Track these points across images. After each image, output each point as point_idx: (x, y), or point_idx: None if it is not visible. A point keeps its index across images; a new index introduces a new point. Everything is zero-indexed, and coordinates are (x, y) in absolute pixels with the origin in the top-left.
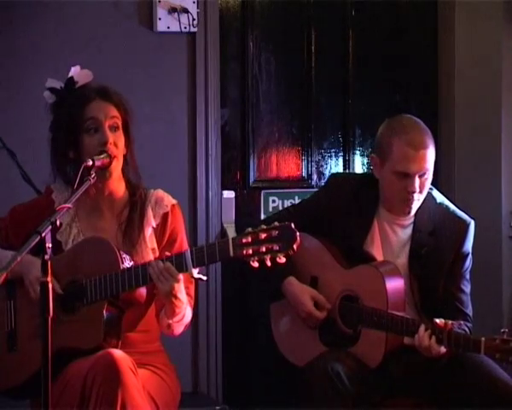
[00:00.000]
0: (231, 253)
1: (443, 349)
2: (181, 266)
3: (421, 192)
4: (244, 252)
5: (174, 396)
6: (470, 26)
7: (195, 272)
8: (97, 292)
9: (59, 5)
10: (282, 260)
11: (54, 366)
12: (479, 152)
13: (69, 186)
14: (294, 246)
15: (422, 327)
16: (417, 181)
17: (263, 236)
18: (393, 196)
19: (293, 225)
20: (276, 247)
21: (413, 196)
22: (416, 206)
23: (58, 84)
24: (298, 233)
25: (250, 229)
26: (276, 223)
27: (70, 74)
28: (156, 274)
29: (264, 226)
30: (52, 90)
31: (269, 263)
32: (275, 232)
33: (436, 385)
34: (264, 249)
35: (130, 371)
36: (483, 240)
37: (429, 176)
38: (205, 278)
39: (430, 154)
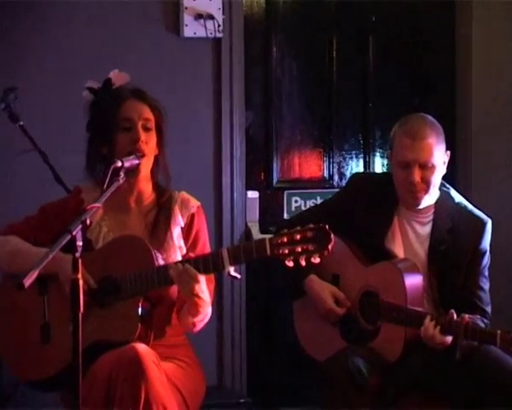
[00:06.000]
0: (268, 252)
1: (448, 339)
2: (218, 263)
3: (426, 185)
4: (280, 251)
5: (199, 388)
6: (487, 31)
7: (232, 270)
8: (132, 288)
9: (90, 9)
10: (316, 260)
11: (88, 358)
12: (495, 152)
13: (98, 186)
14: (329, 247)
15: (428, 317)
16: (417, 172)
17: (298, 236)
18: (399, 188)
19: (327, 227)
20: (311, 247)
21: (416, 188)
22: (424, 199)
23: (96, 85)
24: (332, 234)
25: (286, 230)
26: (311, 224)
27: (109, 76)
28: (177, 276)
29: (299, 228)
30: (90, 89)
31: (303, 263)
32: (310, 233)
33: (452, 380)
34: (299, 250)
35: (154, 364)
36: (500, 239)
37: (434, 170)
38: (239, 276)
39: (430, 145)
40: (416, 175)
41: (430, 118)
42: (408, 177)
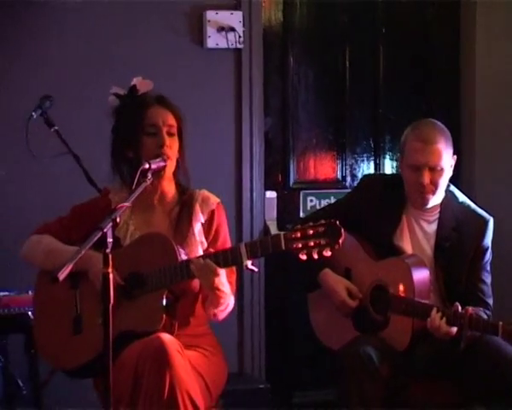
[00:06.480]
0: (283, 246)
1: (453, 330)
2: (236, 258)
3: (434, 186)
4: (294, 246)
5: (221, 375)
6: (491, 38)
7: (249, 264)
8: (157, 282)
9: (119, 22)
10: (328, 253)
11: (116, 348)
12: (498, 154)
13: (124, 186)
14: (340, 241)
15: (434, 309)
16: (427, 174)
17: (310, 232)
18: (409, 189)
19: (338, 222)
20: (322, 241)
21: (425, 189)
22: (432, 200)
23: (122, 91)
24: (342, 229)
25: (299, 226)
26: (323, 220)
27: (132, 83)
28: (198, 270)
29: (311, 223)
30: (117, 95)
31: (316, 256)
32: (321, 229)
33: (457, 368)
34: (312, 244)
35: (178, 353)
36: (502, 236)
37: (443, 173)
38: (256, 269)
39: (440, 149)
40: (426, 177)
41: (439, 124)
42: (418, 179)
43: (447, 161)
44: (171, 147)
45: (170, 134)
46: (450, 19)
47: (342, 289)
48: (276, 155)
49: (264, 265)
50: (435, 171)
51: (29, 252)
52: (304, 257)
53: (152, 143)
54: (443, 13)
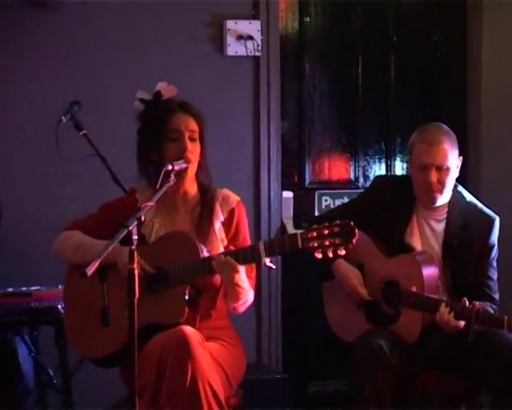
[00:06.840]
0: (300, 245)
1: (461, 324)
2: (255, 255)
3: (441, 185)
4: (310, 245)
5: (240, 365)
6: (497, 46)
7: (267, 261)
8: (180, 277)
9: (146, 30)
10: (342, 252)
11: (141, 339)
12: (503, 155)
13: (150, 187)
14: (354, 240)
15: (443, 304)
16: (434, 173)
17: (326, 231)
18: (418, 189)
19: (352, 223)
20: (337, 241)
21: (432, 187)
22: (440, 199)
23: (147, 96)
24: (356, 229)
25: (315, 226)
26: (338, 221)
27: (157, 88)
28: (219, 266)
29: (327, 223)
30: (142, 100)
31: (331, 255)
32: (336, 228)
33: (464, 359)
34: (327, 243)
35: (199, 344)
36: (508, 233)
37: (449, 172)
38: (274, 266)
39: (445, 150)
40: (433, 176)
41: (445, 127)
42: (426, 178)
43: (453, 160)
44: (193, 151)
45: (192, 139)
46: (457, 24)
47: (354, 277)
48: (292, 156)
49: (280, 258)
50: (442, 170)
51: (60, 247)
52: (319, 256)
53: (174, 148)
54: (450, 19)
